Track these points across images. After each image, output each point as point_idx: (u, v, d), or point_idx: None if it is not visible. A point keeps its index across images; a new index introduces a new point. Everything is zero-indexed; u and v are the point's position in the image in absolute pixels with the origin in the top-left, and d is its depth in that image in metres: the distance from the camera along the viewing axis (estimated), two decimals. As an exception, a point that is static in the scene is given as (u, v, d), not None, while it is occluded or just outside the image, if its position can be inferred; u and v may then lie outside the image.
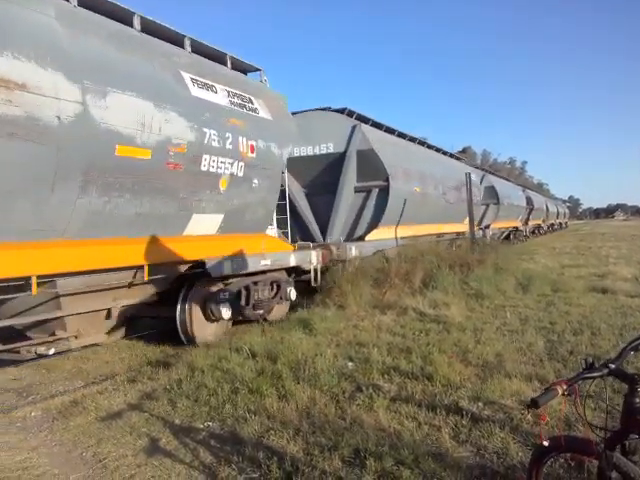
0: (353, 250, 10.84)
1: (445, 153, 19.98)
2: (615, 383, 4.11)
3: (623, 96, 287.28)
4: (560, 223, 63.72)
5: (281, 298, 8.61)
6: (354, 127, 11.92)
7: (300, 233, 11.95)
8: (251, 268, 7.88)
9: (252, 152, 7.71)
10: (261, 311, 8.12)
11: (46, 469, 3.83)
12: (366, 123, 12.76)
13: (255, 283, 7.98)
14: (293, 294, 8.89)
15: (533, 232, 39.83)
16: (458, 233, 18.49)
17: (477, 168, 26.68)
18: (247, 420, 4.34)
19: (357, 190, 12.16)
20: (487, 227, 22.85)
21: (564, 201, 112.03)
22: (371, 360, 5.72)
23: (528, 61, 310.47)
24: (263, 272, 8.37)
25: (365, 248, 11.49)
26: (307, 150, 12.19)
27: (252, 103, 8.02)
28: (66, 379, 6.28)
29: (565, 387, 1.92)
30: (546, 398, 1.87)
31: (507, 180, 35.97)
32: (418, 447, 3.64)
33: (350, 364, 5.72)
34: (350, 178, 11.91)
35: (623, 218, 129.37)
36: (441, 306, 8.63)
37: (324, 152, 12.13)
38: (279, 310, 9.09)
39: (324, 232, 11.98)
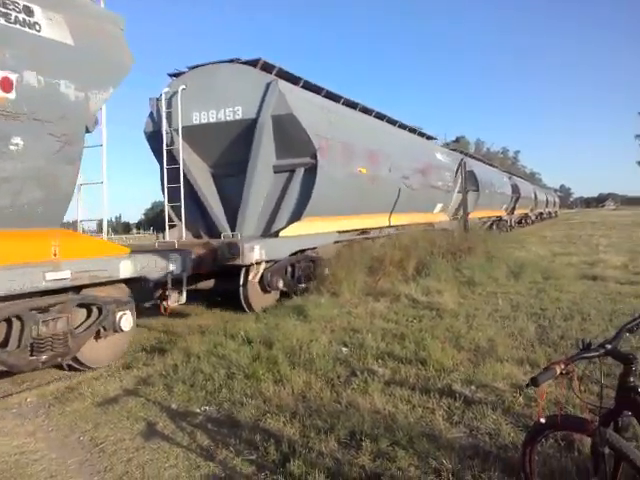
0: (256, 251, 8.05)
1: (410, 129, 16.22)
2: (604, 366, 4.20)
3: (615, 89, 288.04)
4: (550, 212, 61.68)
5: (104, 329, 5.70)
6: (269, 85, 8.82)
7: (206, 228, 9.80)
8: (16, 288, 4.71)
9: (5, 90, 4.65)
10: (43, 357, 5.07)
11: (44, 453, 3.85)
12: (294, 83, 9.82)
13: (43, 310, 5.10)
14: (127, 322, 5.87)
15: (520, 222, 38.41)
16: (429, 224, 15.89)
17: (454, 150, 23.87)
18: (243, 404, 4.39)
19: (277, 170, 9.37)
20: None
21: (555, 190, 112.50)
22: (365, 345, 5.78)
23: (521, 53, 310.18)
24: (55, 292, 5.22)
25: (278, 247, 8.82)
26: (210, 116, 9.24)
27: (29, 14, 4.83)
28: (60, 365, 6.28)
29: (563, 366, 1.97)
30: (545, 377, 1.92)
31: (491, 166, 32.94)
32: (412, 429, 3.70)
33: (345, 349, 5.78)
34: (265, 154, 9.03)
35: (613, 207, 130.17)
36: (434, 293, 8.69)
37: (231, 118, 9.08)
38: (109, 348, 6.02)
39: (234, 226, 9.36)
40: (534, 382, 1.91)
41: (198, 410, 4.43)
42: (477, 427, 3.78)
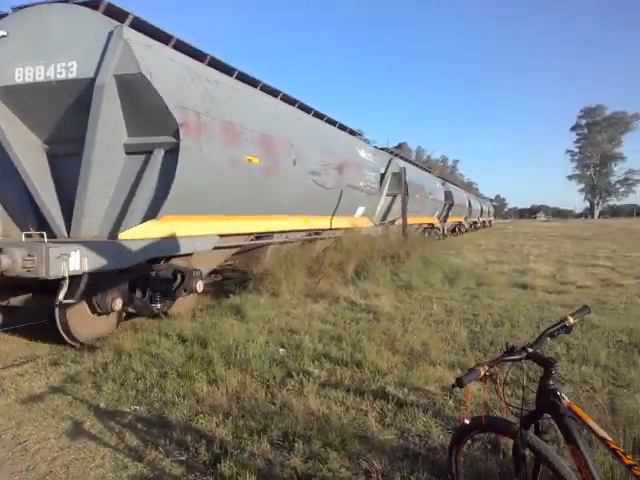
0: (73, 259, 5.62)
1: (328, 120, 13.53)
2: (530, 371, 4.40)
3: (549, 105, 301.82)
4: (484, 222, 60.26)
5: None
6: (111, 33, 6.36)
7: (38, 222, 7.07)
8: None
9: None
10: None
11: (-41, 453, 3.63)
12: (163, 42, 7.33)
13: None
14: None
15: (453, 230, 37.13)
16: (349, 230, 13.70)
17: (383, 150, 20.94)
18: (175, 404, 4.29)
19: (130, 151, 6.86)
20: (392, 223, 18.81)
21: (491, 200, 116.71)
22: (302, 347, 5.78)
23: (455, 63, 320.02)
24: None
25: (117, 254, 6.25)
26: (37, 73, 6.66)
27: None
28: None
29: (487, 368, 2.03)
30: (470, 377, 1.98)
31: (424, 169, 30.21)
32: (345, 430, 3.73)
33: (282, 350, 5.76)
34: (109, 128, 6.57)
35: (544, 219, 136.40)
36: (372, 296, 8.82)
37: (63, 77, 6.54)
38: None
39: (69, 221, 6.83)
40: (459, 383, 1.97)
41: (128, 409, 4.30)
42: (408, 429, 3.86)
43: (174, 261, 7.50)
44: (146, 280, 7.18)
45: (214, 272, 9.36)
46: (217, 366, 5.02)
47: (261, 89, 10.00)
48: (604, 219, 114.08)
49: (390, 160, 19.55)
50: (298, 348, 5.76)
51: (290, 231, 10.81)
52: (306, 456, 3.39)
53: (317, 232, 12.33)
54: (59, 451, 3.63)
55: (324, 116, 13.18)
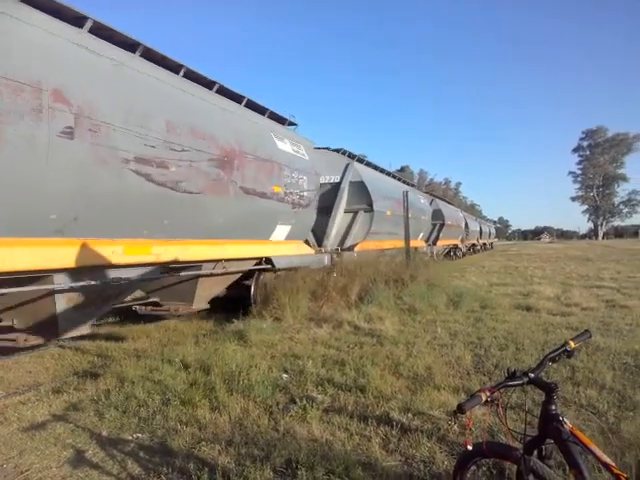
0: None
1: (220, 90, 8.76)
2: (535, 395, 4.36)
3: (553, 127, 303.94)
4: (484, 244, 54.68)
5: None
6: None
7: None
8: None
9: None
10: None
11: (-40, 483, 3.61)
12: None
13: None
14: None
15: (448, 253, 32.93)
16: (258, 260, 9.84)
17: (336, 151, 15.65)
18: (178, 431, 4.27)
19: None
20: (350, 249, 14.58)
21: (494, 222, 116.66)
22: (306, 372, 5.76)
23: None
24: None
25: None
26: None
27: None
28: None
29: (489, 394, 2.03)
30: (471, 404, 1.97)
31: (405, 183, 23.39)
32: (349, 457, 3.70)
33: (285, 376, 5.73)
34: None
35: (548, 240, 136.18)
36: (375, 320, 8.79)
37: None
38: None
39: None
40: (460, 409, 1.96)
41: (130, 437, 4.27)
42: (412, 455, 3.82)
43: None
44: None
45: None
46: (220, 392, 5.00)
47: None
48: (608, 240, 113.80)
49: (347, 166, 14.96)
50: (301, 373, 5.73)
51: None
52: (309, 484, 3.36)
53: (168, 267, 7.47)
54: (61, 480, 3.60)
55: (207, 80, 8.41)
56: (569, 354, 2.28)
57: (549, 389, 2.08)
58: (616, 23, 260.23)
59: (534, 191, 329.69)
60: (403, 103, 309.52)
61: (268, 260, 9.89)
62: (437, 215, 28.78)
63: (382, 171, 19.83)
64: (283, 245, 10.57)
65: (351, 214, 15.07)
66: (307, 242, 12.67)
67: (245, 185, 8.64)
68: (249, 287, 10.06)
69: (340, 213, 14.64)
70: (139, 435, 4.31)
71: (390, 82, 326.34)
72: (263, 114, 10.31)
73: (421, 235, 23.63)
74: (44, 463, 3.87)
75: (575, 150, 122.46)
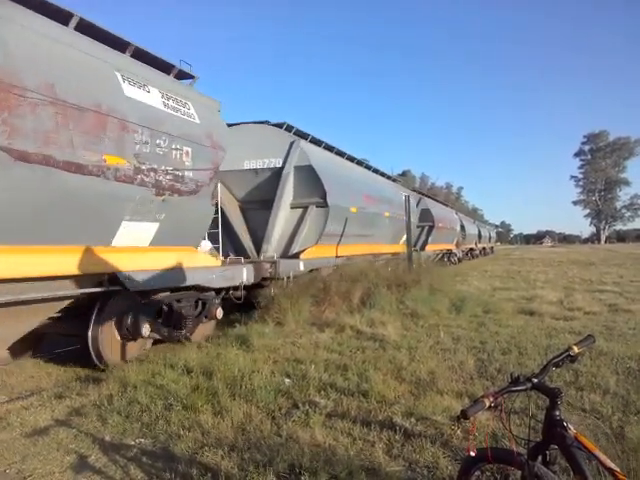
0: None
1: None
2: (539, 400, 4.34)
3: (553, 130, 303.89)
4: (484, 248, 51.72)
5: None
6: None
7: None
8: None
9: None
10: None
11: (-38, 489, 3.62)
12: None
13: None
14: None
15: (442, 258, 29.83)
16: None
17: (280, 127, 12.04)
18: (181, 436, 4.27)
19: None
20: (296, 256, 11.30)
21: (497, 226, 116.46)
22: (308, 377, 5.75)
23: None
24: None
25: None
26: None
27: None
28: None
29: (492, 399, 2.02)
30: (475, 409, 1.96)
31: (384, 176, 19.81)
32: (352, 462, 3.69)
33: (287, 380, 5.72)
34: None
35: (551, 244, 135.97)
36: (378, 325, 8.78)
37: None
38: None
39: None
40: (464, 414, 1.95)
41: (133, 442, 4.27)
42: (416, 460, 3.81)
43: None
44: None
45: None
46: (222, 397, 5.00)
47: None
48: (611, 244, 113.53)
49: (291, 144, 11.49)
50: (304, 378, 5.72)
51: None
52: (312, 489, 3.35)
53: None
54: (64, 486, 3.60)
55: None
56: (572, 359, 2.27)
57: (553, 394, 2.08)
58: (616, 23, 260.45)
59: (536, 195, 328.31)
60: (404, 106, 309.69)
61: (114, 278, 6.28)
62: (425, 216, 25.63)
63: (346, 157, 15.48)
64: (148, 254, 6.89)
65: (300, 210, 11.66)
66: (217, 250, 9.66)
67: (22, 147, 4.82)
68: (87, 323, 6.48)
69: (284, 209, 11.38)
70: (142, 440, 4.30)
71: (390, 84, 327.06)
72: (123, 51, 6.73)
73: (403, 239, 18.03)
74: (47, 468, 3.87)
75: (577, 154, 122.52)
